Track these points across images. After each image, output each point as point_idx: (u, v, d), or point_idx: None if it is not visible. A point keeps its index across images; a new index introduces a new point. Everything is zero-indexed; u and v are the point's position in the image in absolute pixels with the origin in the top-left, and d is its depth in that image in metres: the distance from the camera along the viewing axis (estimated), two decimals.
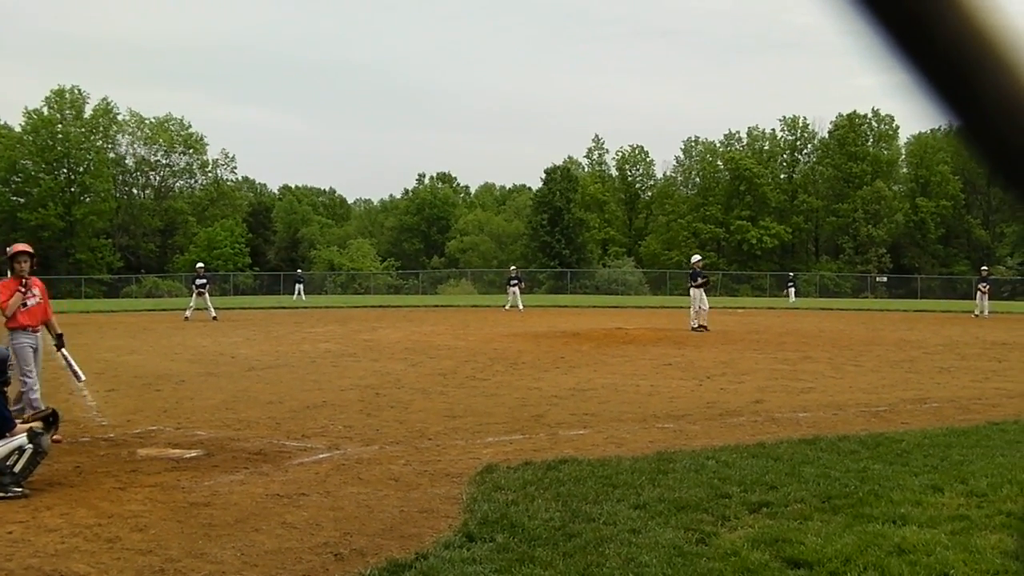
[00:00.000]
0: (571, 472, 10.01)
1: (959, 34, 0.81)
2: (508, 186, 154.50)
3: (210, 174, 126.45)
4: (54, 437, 10.55)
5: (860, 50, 0.84)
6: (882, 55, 0.82)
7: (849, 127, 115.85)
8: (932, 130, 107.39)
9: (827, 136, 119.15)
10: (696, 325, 34.87)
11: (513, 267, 64.02)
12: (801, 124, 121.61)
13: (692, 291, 36.03)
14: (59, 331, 13.71)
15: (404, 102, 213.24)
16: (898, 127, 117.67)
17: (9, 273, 13.48)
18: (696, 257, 39.49)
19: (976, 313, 48.95)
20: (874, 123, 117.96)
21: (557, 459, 10.68)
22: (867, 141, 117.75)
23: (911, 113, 0.90)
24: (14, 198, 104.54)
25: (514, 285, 56.17)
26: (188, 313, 43.46)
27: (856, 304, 71.84)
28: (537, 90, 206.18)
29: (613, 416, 14.57)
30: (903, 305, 67.28)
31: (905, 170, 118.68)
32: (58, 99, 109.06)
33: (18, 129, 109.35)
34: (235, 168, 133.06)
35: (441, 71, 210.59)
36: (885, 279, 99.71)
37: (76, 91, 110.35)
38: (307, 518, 8.52)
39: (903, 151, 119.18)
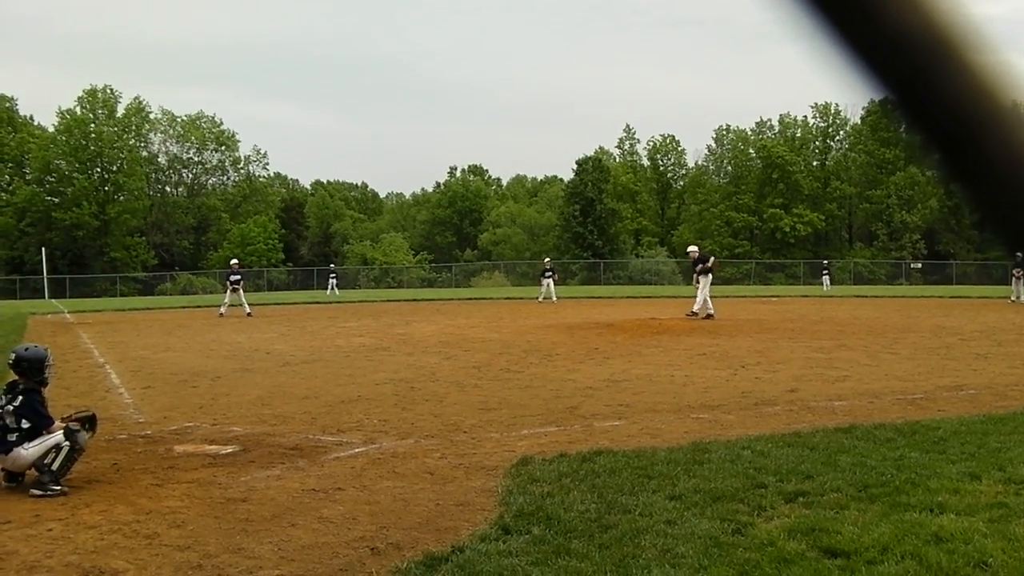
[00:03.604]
0: (606, 463, 9.99)
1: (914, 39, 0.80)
2: (540, 178, 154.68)
3: (242, 171, 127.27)
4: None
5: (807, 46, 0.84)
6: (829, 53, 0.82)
7: (881, 112, 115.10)
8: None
9: (859, 122, 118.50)
10: (704, 313, 34.79)
11: (547, 259, 64.07)
12: (833, 111, 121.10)
13: (701, 279, 35.81)
14: None
15: (434, 96, 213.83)
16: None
17: None
18: (692, 248, 39.37)
19: (1012, 299, 48.49)
20: None
21: (592, 451, 10.66)
22: (900, 126, 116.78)
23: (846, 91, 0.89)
24: (49, 198, 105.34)
25: (548, 277, 56.16)
26: (223, 309, 43.61)
27: (891, 291, 71.53)
28: (566, 81, 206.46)
29: (648, 407, 14.54)
30: (938, 291, 66.84)
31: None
32: (91, 99, 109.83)
33: (51, 129, 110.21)
34: (267, 164, 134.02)
35: (470, 64, 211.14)
36: (920, 265, 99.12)
37: (108, 90, 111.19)
38: (343, 512, 8.54)
39: None
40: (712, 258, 37.30)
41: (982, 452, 10.25)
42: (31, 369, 10.26)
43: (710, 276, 35.96)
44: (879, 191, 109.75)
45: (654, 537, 7.44)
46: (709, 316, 34.61)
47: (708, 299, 35.33)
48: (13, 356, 10.37)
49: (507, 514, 8.19)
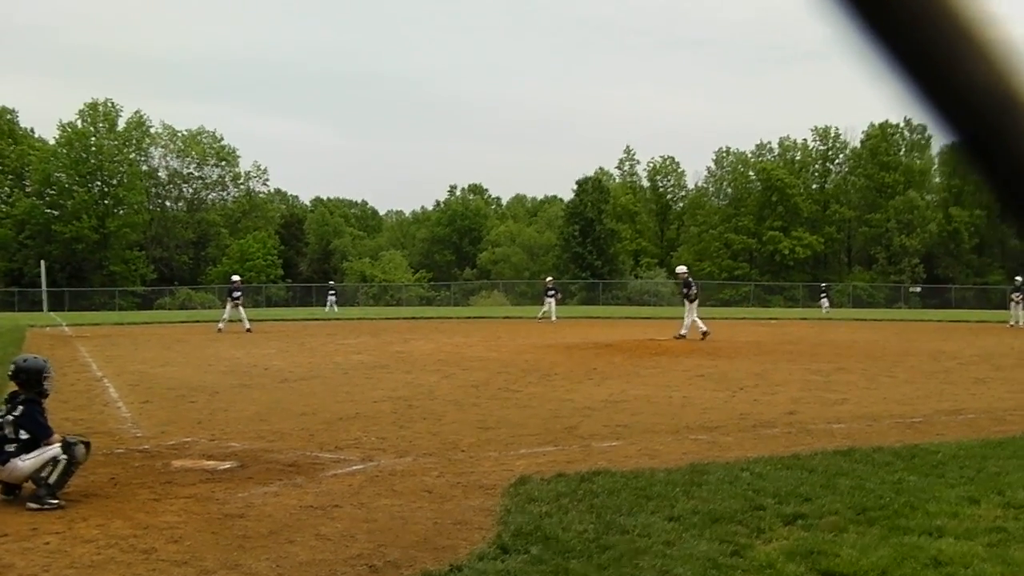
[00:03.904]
0: (605, 484, 9.98)
1: (957, 45, 0.81)
2: (539, 197, 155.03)
3: (242, 186, 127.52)
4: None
5: (858, 63, 0.84)
6: (880, 68, 0.82)
7: (881, 136, 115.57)
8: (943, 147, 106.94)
9: (859, 146, 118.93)
10: (699, 333, 34.84)
11: (549, 278, 64.14)
12: (833, 134, 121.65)
13: (688, 302, 35.93)
14: None
15: (435, 114, 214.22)
16: (930, 136, 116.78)
17: None
18: (682, 268, 39.55)
19: (1011, 323, 48.60)
20: (906, 132, 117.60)
21: (590, 471, 10.64)
22: (899, 151, 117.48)
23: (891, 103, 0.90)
24: (48, 210, 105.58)
25: (551, 296, 56.28)
26: (221, 325, 43.56)
27: (890, 314, 71.51)
28: (567, 101, 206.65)
29: (646, 428, 14.53)
30: (937, 315, 66.79)
31: (938, 179, 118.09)
32: (92, 112, 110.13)
33: (52, 142, 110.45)
34: (267, 180, 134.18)
35: (471, 83, 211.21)
36: (919, 289, 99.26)
37: (109, 104, 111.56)
38: (341, 530, 8.53)
39: (936, 160, 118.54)
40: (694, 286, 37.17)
41: (981, 476, 10.25)
42: (30, 380, 10.27)
43: (696, 300, 36.13)
44: (878, 215, 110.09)
45: (652, 558, 7.43)
46: (704, 335, 34.63)
47: (698, 320, 35.38)
48: (12, 367, 10.39)
49: (505, 533, 8.18)
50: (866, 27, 0.81)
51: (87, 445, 10.45)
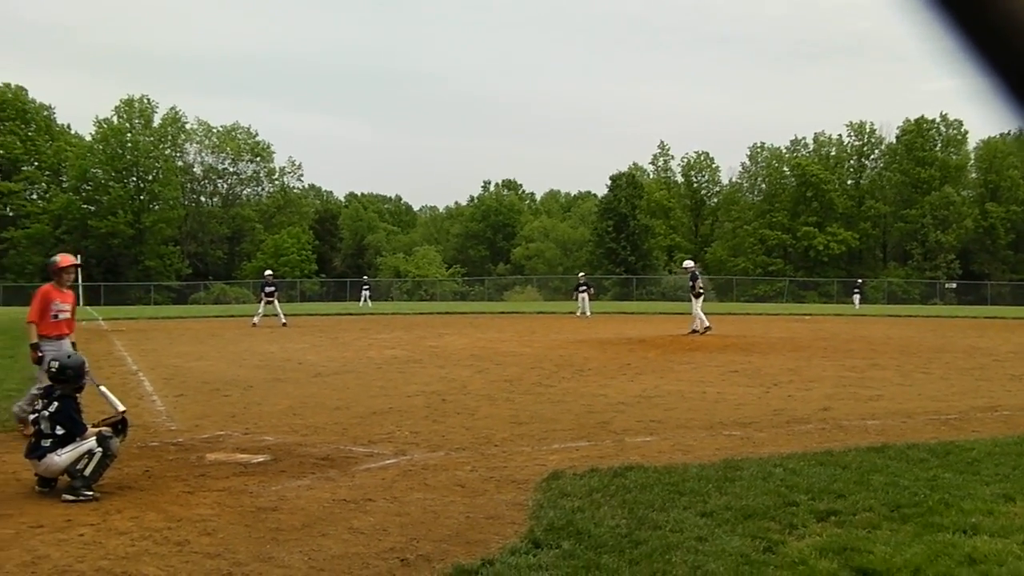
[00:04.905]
0: (637, 479, 9.95)
1: None
2: (573, 193, 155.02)
3: (277, 182, 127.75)
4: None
5: (932, 53, 0.82)
6: (957, 58, 0.80)
7: (917, 132, 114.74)
8: (1002, 135, 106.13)
9: (895, 141, 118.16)
10: (701, 328, 34.77)
11: (581, 273, 64.06)
12: (868, 129, 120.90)
13: (694, 297, 35.89)
14: (73, 341, 13.65)
15: (469, 110, 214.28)
16: (967, 132, 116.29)
17: (54, 280, 13.49)
18: (689, 263, 39.47)
19: None
20: (942, 128, 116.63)
21: (623, 466, 10.62)
22: (935, 146, 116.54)
23: (985, 118, 0.88)
24: (85, 206, 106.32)
25: (583, 291, 56.21)
26: (256, 319, 43.67)
27: (925, 311, 71.11)
28: (600, 97, 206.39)
29: (679, 423, 14.50)
30: (972, 312, 66.42)
31: (974, 175, 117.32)
32: (127, 108, 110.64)
33: (88, 138, 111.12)
34: (302, 176, 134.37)
35: (505, 80, 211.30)
36: (954, 285, 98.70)
37: (145, 100, 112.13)
38: (373, 523, 8.54)
39: (972, 156, 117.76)
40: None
41: (1016, 473, 10.16)
42: (75, 376, 10.36)
43: (702, 294, 36.12)
44: (914, 210, 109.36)
45: (685, 554, 7.40)
46: (707, 329, 34.61)
47: (701, 314, 35.30)
48: (56, 364, 10.43)
49: (537, 528, 8.16)
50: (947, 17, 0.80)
51: (123, 421, 10.54)
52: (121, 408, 11.53)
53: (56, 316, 12.99)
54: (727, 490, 9.45)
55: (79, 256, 14.24)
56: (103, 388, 11.70)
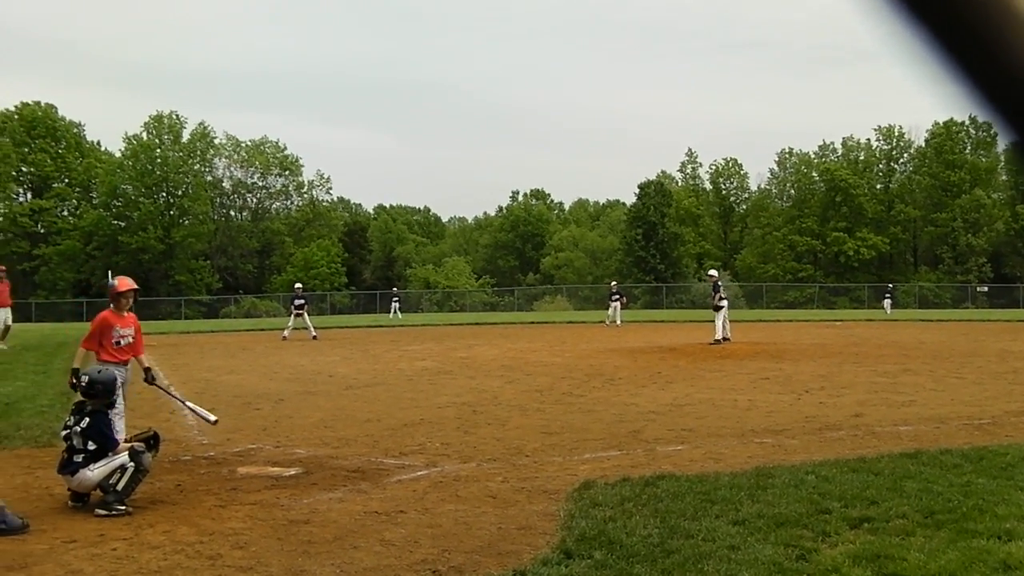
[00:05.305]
0: (669, 488, 9.92)
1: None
2: (602, 202, 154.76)
3: (306, 195, 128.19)
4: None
5: (913, 64, 0.81)
6: (936, 68, 0.79)
7: (946, 135, 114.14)
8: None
9: (924, 144, 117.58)
10: (712, 340, 34.50)
11: (613, 282, 64.11)
12: (897, 133, 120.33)
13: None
14: (147, 365, 13.68)
15: (496, 121, 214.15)
16: (996, 134, 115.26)
17: (112, 306, 13.51)
18: (713, 272, 39.38)
19: None
20: (971, 130, 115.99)
21: (655, 475, 10.60)
22: (965, 149, 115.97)
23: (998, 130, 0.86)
24: (115, 222, 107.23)
25: (615, 300, 56.18)
26: (286, 333, 43.73)
27: (956, 315, 70.60)
28: (627, 105, 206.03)
29: (711, 431, 14.46)
30: (1005, 315, 65.99)
31: (1005, 177, 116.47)
32: (157, 124, 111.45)
33: (118, 154, 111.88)
34: (330, 189, 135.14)
35: (531, 90, 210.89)
36: (986, 289, 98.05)
37: (174, 116, 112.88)
38: (405, 535, 8.54)
39: (1002, 158, 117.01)
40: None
41: None
42: (105, 391, 10.40)
43: (724, 304, 35.82)
44: (944, 214, 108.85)
45: (717, 563, 7.38)
46: (716, 342, 34.30)
47: (719, 324, 35.04)
48: (87, 379, 10.49)
49: (569, 538, 8.15)
50: (921, 25, 0.78)
51: (155, 437, 10.59)
52: (213, 419, 11.67)
53: (118, 343, 12.99)
54: (759, 498, 9.42)
55: (126, 278, 14.19)
56: (190, 404, 11.81)
